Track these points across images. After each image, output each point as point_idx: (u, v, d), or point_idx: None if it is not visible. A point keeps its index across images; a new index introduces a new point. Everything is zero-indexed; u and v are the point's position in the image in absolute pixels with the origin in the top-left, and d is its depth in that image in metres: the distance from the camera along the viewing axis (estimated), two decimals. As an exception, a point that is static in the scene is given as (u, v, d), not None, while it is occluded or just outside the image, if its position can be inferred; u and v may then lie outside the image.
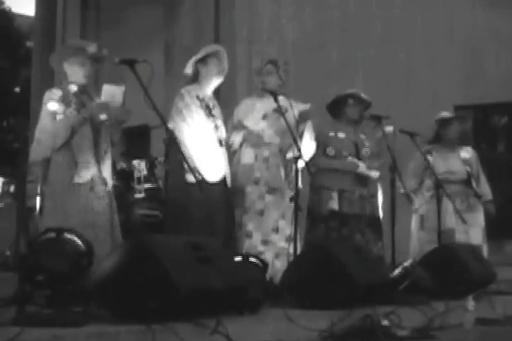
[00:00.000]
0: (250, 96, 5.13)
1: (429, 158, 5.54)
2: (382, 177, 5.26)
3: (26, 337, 2.45)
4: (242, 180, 4.80)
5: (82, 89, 4.29)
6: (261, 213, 4.75)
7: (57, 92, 4.19)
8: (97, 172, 4.16)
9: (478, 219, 5.68)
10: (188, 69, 4.74)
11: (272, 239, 4.73)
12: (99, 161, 4.18)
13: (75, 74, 4.27)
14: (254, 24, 9.32)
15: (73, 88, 4.25)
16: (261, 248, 4.68)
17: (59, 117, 4.08)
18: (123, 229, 4.29)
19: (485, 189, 5.85)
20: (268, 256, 4.60)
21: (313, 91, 7.67)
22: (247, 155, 4.85)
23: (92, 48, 4.28)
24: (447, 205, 5.47)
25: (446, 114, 5.93)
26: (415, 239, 5.69)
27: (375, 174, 5.17)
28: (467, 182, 5.67)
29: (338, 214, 5.05)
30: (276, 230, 4.75)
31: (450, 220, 5.51)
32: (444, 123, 5.83)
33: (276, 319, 3.30)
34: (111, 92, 4.07)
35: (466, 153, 5.89)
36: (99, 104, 4.15)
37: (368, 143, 5.30)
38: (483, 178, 5.90)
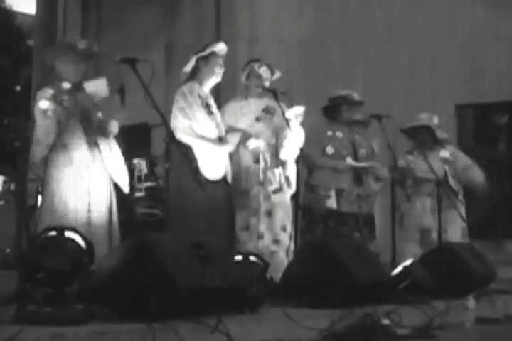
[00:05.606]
0: (235, 99, 5.08)
1: (410, 157, 5.56)
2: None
3: (26, 335, 2.44)
4: (245, 182, 4.80)
5: (76, 87, 4.24)
6: (269, 213, 4.78)
7: (49, 91, 4.16)
8: (97, 169, 4.13)
9: (457, 217, 5.62)
10: (189, 66, 4.70)
11: (281, 238, 4.77)
12: (95, 156, 4.14)
13: (67, 71, 4.24)
14: (255, 24, 9.33)
15: (66, 85, 4.21)
16: (273, 247, 4.73)
17: (49, 114, 4.06)
18: (123, 228, 4.29)
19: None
20: (281, 255, 4.64)
21: (313, 91, 7.68)
22: (247, 157, 4.85)
23: (82, 45, 4.24)
24: (424, 204, 5.50)
25: (417, 122, 5.86)
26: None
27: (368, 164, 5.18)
28: (445, 181, 5.65)
29: (337, 213, 5.06)
30: (284, 229, 4.78)
31: (427, 219, 5.52)
32: (413, 131, 5.82)
33: (277, 318, 3.30)
34: (93, 86, 4.15)
35: (447, 152, 5.90)
36: (83, 94, 4.16)
37: (364, 143, 5.31)
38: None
